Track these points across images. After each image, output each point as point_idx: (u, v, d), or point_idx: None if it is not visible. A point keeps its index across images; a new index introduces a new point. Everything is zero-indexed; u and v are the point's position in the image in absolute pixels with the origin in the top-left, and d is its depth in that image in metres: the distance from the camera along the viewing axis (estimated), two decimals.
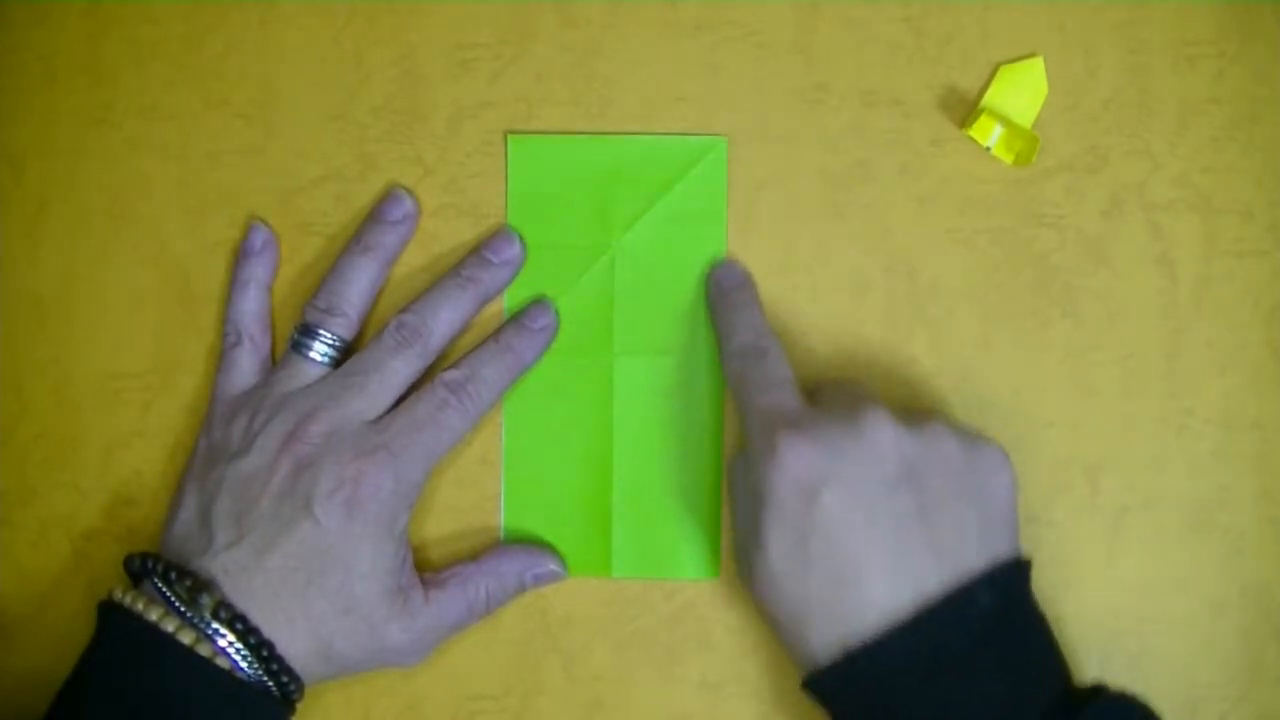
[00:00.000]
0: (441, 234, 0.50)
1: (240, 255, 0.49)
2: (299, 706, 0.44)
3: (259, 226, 0.49)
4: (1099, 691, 0.41)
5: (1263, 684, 0.48)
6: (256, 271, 0.49)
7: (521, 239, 0.49)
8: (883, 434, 0.42)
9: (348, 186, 0.50)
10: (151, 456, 0.50)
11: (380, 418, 0.45)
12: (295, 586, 0.43)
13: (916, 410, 0.46)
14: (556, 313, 0.49)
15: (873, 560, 0.41)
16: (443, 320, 0.47)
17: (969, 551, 0.41)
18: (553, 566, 0.48)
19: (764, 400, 0.44)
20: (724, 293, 0.48)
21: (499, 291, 0.49)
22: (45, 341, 0.50)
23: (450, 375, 0.46)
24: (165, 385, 0.50)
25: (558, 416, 0.49)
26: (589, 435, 0.49)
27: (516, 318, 0.49)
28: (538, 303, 0.49)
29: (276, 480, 0.44)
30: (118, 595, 0.43)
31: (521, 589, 0.48)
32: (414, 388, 0.47)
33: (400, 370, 0.46)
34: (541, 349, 0.49)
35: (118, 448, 0.50)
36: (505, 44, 0.50)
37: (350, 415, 0.45)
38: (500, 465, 0.49)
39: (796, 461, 0.41)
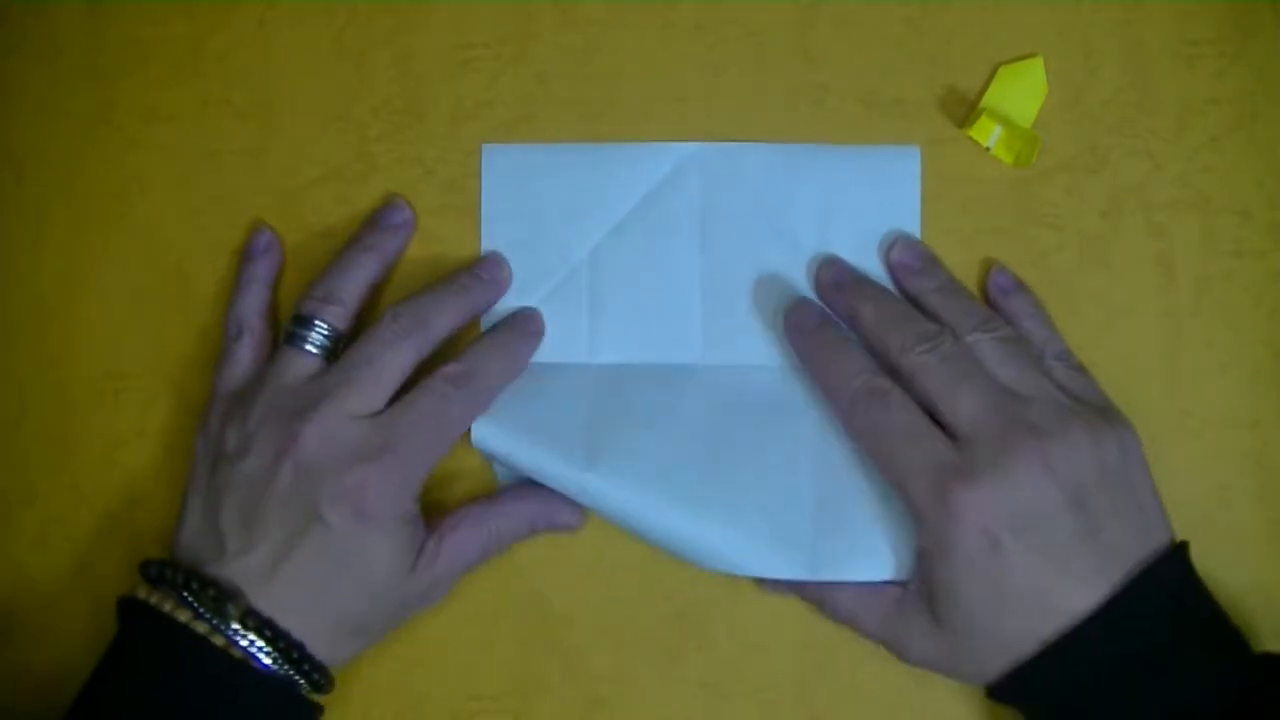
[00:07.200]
0: (441, 234, 0.50)
1: (244, 257, 0.49)
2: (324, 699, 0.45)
3: (263, 230, 0.50)
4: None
5: None
6: (260, 271, 0.49)
7: (508, 267, 0.49)
8: (1041, 461, 0.43)
9: (348, 186, 0.50)
10: (151, 456, 0.50)
11: (380, 413, 0.45)
12: (316, 588, 0.43)
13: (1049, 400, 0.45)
14: (544, 321, 0.49)
15: (1061, 579, 0.42)
16: (442, 319, 0.47)
17: (1138, 543, 0.43)
18: (567, 516, 0.48)
19: (915, 453, 0.44)
20: (809, 332, 0.48)
21: (487, 308, 0.49)
22: (45, 341, 0.50)
23: (451, 369, 0.46)
24: (165, 385, 0.50)
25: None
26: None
27: (508, 320, 0.49)
28: (528, 309, 0.49)
29: (279, 486, 0.44)
30: (142, 595, 0.43)
31: (533, 531, 0.48)
32: (409, 383, 0.46)
33: (395, 363, 0.46)
34: (532, 351, 0.49)
35: (118, 448, 0.50)
36: (505, 44, 0.50)
37: (346, 412, 0.44)
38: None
39: (975, 515, 0.42)
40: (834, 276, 0.48)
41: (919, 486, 0.43)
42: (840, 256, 0.49)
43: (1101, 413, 0.45)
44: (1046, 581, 0.42)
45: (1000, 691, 0.44)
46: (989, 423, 0.43)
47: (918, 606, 0.44)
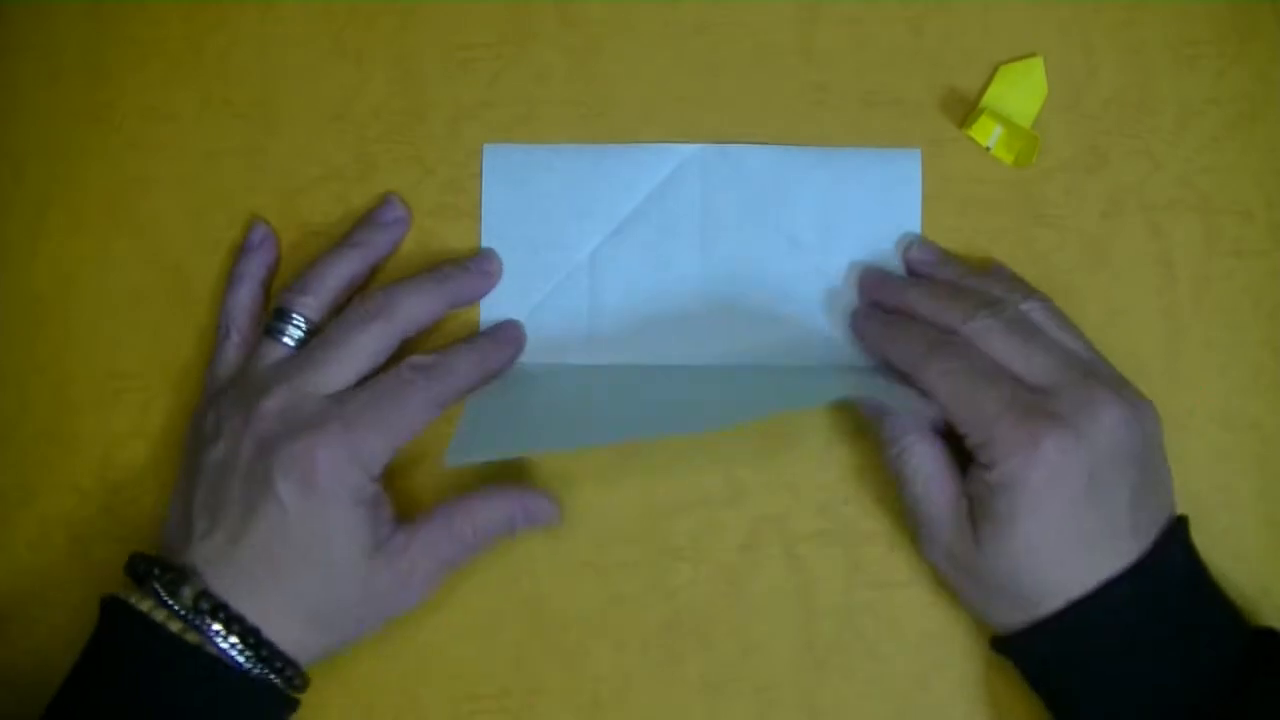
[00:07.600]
0: (441, 234, 0.50)
1: (240, 251, 0.49)
2: (302, 698, 0.44)
3: (258, 224, 0.50)
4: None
5: None
6: (252, 267, 0.49)
7: (500, 260, 0.49)
8: (1123, 416, 0.43)
9: (348, 186, 0.50)
10: (151, 456, 0.50)
11: (342, 392, 0.45)
12: (271, 569, 0.43)
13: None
14: (525, 335, 0.49)
15: (1108, 535, 0.43)
16: (411, 303, 0.47)
17: (1161, 512, 0.44)
18: (545, 506, 0.47)
19: (999, 392, 0.43)
20: (873, 318, 0.48)
21: (473, 299, 0.49)
22: (45, 341, 0.50)
23: (418, 358, 0.46)
24: (165, 385, 0.50)
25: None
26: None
27: (489, 329, 0.49)
28: (511, 322, 0.49)
29: (240, 464, 0.44)
30: (121, 593, 0.44)
31: (511, 527, 0.47)
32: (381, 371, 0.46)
33: (363, 345, 0.45)
34: (508, 362, 0.49)
35: (118, 448, 0.50)
36: (505, 44, 0.50)
37: (306, 390, 0.44)
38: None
39: (1060, 457, 0.42)
40: (878, 278, 0.49)
41: (1004, 421, 0.43)
42: (875, 264, 0.49)
43: (1134, 388, 0.46)
44: (1097, 534, 0.43)
45: (1009, 643, 0.44)
46: (1068, 376, 0.44)
47: (969, 532, 0.44)
